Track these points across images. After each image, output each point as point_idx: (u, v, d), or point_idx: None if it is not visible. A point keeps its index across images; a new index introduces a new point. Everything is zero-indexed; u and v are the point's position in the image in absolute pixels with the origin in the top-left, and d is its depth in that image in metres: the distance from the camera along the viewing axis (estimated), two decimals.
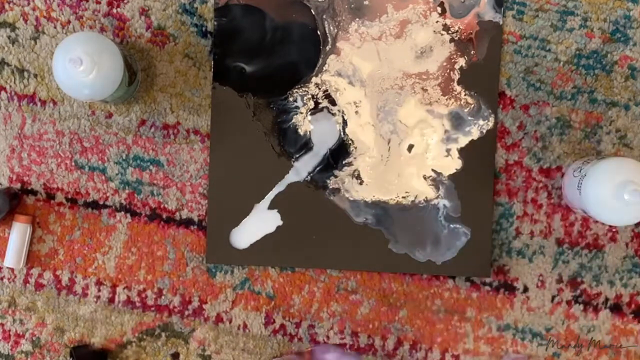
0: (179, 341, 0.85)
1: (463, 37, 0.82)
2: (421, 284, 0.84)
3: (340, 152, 0.83)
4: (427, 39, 0.82)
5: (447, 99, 0.82)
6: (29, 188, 0.84)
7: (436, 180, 0.83)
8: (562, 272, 0.84)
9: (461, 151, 0.83)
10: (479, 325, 0.84)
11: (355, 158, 0.83)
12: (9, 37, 0.83)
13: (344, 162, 0.83)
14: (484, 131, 0.83)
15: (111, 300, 0.84)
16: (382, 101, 0.82)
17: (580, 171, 0.77)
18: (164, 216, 0.84)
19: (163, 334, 0.85)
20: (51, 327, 0.85)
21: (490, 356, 0.84)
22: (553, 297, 0.84)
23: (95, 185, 0.84)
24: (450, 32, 0.82)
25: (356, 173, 0.83)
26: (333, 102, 0.83)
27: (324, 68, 0.82)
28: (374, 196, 0.83)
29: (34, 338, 0.85)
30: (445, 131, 0.82)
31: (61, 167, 0.84)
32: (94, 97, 0.75)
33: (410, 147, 0.83)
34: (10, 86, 0.83)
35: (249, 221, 0.83)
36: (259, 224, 0.83)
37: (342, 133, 0.83)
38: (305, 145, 0.83)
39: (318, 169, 0.83)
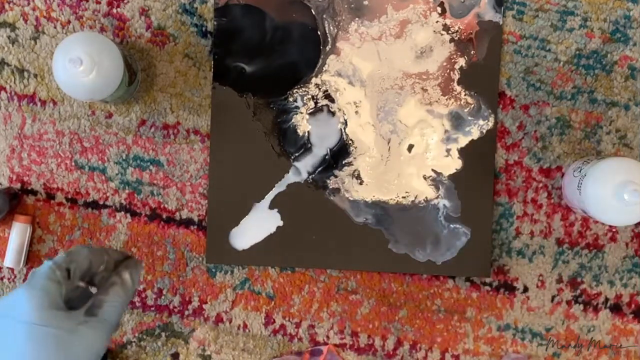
0: (179, 341, 0.85)
1: (463, 37, 0.82)
2: (421, 284, 0.84)
3: (340, 152, 0.83)
4: (427, 39, 0.82)
5: (447, 99, 0.82)
6: (29, 188, 0.84)
7: (436, 180, 0.83)
8: (562, 272, 0.84)
9: (461, 151, 0.83)
10: (479, 325, 0.84)
11: (355, 158, 0.83)
12: (9, 37, 0.83)
13: (344, 162, 0.83)
14: (484, 131, 0.83)
15: None
16: (382, 101, 0.83)
17: (580, 171, 0.77)
18: (164, 216, 0.84)
19: (163, 334, 0.85)
20: None
21: (490, 356, 0.84)
22: (553, 297, 0.84)
23: (95, 185, 0.84)
24: (450, 32, 0.82)
25: (356, 173, 0.83)
26: (333, 102, 0.83)
27: (324, 68, 0.82)
28: (374, 196, 0.83)
29: None
30: (445, 131, 0.83)
31: (61, 167, 0.84)
32: (94, 97, 0.75)
33: (410, 147, 0.83)
34: (10, 86, 0.83)
35: (249, 221, 0.83)
36: (259, 224, 0.83)
37: (342, 133, 0.83)
38: (305, 145, 0.83)
39: (318, 169, 0.83)
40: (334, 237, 0.83)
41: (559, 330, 0.84)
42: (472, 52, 0.82)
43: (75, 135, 0.83)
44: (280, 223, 0.83)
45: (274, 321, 0.85)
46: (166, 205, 0.84)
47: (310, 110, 0.83)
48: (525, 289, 0.84)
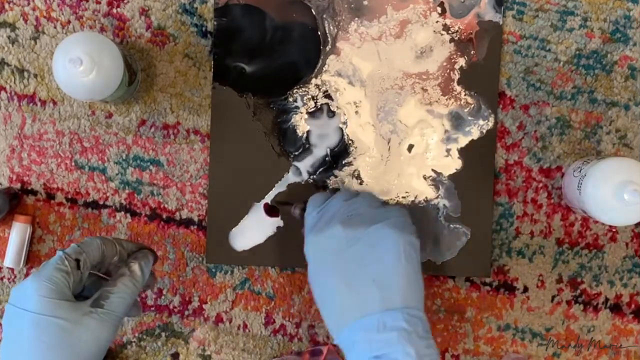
0: (179, 341, 0.85)
1: (463, 37, 0.82)
2: None
3: (340, 152, 0.83)
4: (427, 39, 0.82)
5: (447, 99, 0.82)
6: (29, 188, 0.84)
7: (436, 180, 0.83)
8: (562, 272, 0.84)
9: (461, 151, 0.83)
10: (479, 325, 0.84)
11: (355, 158, 0.83)
12: (9, 37, 0.83)
13: (344, 162, 0.83)
14: (484, 131, 0.83)
15: None
16: (382, 101, 0.83)
17: (580, 171, 0.77)
18: (164, 216, 0.84)
19: (163, 334, 0.85)
20: None
21: (490, 356, 0.84)
22: (553, 297, 0.84)
23: (95, 185, 0.84)
24: (450, 32, 0.82)
25: (356, 173, 0.83)
26: (333, 102, 0.83)
27: (324, 68, 0.82)
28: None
29: None
30: (445, 131, 0.83)
31: (61, 167, 0.84)
32: (94, 97, 0.75)
33: (410, 147, 0.83)
34: (10, 86, 0.83)
35: (249, 221, 0.83)
36: (259, 223, 0.83)
37: (342, 133, 0.83)
38: (305, 145, 0.83)
39: (318, 169, 0.83)
40: None
41: (559, 330, 0.84)
42: (472, 52, 0.82)
43: (75, 135, 0.83)
44: (280, 223, 0.83)
45: (274, 321, 0.85)
46: (166, 205, 0.84)
47: (310, 110, 0.83)
48: (525, 289, 0.84)
